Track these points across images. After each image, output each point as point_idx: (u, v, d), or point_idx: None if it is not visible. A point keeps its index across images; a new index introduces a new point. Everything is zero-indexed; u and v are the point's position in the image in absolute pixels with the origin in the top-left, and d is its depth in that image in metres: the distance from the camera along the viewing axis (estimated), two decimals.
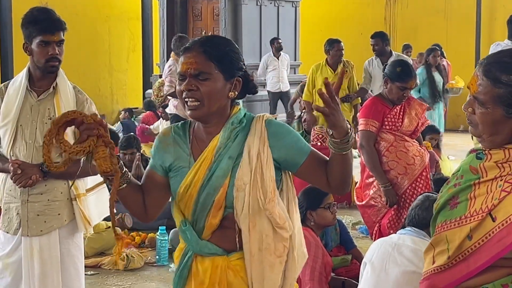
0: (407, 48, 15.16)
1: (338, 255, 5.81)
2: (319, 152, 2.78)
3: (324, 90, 2.52)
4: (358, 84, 9.72)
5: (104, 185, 4.53)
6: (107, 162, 2.58)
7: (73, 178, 3.95)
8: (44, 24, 3.92)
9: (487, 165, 2.27)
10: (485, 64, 2.24)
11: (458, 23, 17.31)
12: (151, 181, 2.82)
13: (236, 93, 2.72)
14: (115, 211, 2.71)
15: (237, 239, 2.70)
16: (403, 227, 4.57)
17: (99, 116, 2.64)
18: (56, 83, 4.02)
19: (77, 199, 4.08)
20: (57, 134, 2.59)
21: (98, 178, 4.41)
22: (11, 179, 3.97)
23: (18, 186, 3.95)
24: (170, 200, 2.87)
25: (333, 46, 9.34)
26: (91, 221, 4.16)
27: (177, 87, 2.70)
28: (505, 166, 2.23)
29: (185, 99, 2.67)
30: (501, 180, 2.23)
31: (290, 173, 2.80)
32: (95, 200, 4.23)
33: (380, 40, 9.73)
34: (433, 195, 4.58)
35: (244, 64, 2.77)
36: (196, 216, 2.73)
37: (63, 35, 4.00)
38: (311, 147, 2.78)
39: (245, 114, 2.78)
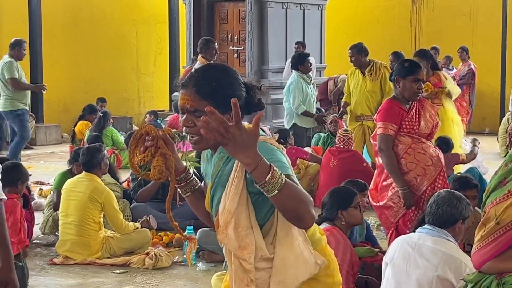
0: (435, 50, 15.16)
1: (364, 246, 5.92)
2: (292, 179, 2.60)
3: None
4: None
5: None
6: (156, 171, 2.84)
7: None
8: None
9: None
10: None
11: (484, 26, 17.26)
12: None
13: None
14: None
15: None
16: (420, 223, 4.61)
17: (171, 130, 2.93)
18: None
19: None
20: (135, 146, 2.91)
21: None
22: None
23: None
24: None
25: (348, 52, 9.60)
26: None
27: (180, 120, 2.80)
28: None
29: (186, 133, 2.79)
30: None
31: None
32: None
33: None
34: (457, 192, 4.62)
35: (243, 89, 2.79)
36: None
37: None
38: (288, 172, 2.61)
39: None
